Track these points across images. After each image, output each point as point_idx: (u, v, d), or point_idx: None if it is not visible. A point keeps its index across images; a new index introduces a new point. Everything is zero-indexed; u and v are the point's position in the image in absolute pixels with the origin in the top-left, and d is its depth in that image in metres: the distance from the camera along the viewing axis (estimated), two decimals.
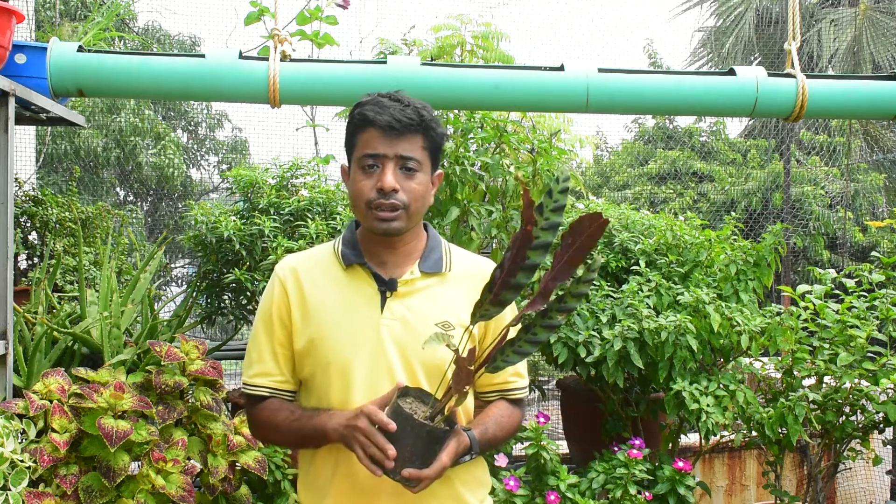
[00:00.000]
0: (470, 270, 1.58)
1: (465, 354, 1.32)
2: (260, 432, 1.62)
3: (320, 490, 1.55)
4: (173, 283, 7.97)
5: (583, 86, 2.74)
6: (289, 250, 2.98)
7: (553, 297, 1.28)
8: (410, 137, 1.48)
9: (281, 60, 2.66)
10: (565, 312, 1.28)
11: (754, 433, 2.89)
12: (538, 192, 3.23)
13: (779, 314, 2.95)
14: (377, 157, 1.48)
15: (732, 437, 2.92)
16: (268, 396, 1.56)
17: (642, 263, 3.12)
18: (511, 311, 1.57)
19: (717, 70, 4.97)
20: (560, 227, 1.26)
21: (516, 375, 1.62)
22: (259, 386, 1.56)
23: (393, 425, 1.32)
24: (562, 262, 1.24)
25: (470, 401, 1.60)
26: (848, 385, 2.85)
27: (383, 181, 1.46)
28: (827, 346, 2.95)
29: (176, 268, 8.24)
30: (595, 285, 3.07)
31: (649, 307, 2.86)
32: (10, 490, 2.02)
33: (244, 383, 1.59)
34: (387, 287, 1.53)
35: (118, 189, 9.46)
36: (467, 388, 1.31)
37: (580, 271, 1.26)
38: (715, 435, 2.74)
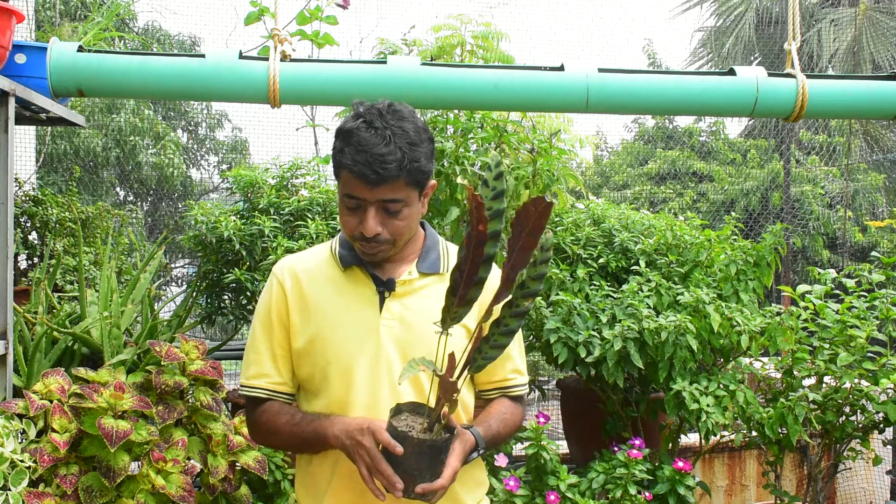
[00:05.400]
0: None
1: (446, 357, 1.31)
2: (259, 436, 1.60)
3: (319, 490, 1.55)
4: (173, 283, 7.97)
5: (583, 86, 2.74)
6: (289, 250, 2.98)
7: (515, 285, 1.28)
8: (391, 183, 1.41)
9: (281, 60, 2.66)
10: (530, 297, 1.27)
11: (754, 433, 2.89)
12: (538, 191, 3.23)
13: (779, 314, 2.94)
14: (359, 199, 1.44)
15: (732, 437, 2.92)
16: (266, 399, 1.55)
17: (642, 263, 3.12)
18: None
19: (717, 70, 4.97)
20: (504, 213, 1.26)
21: (515, 372, 1.62)
22: (257, 387, 1.55)
23: (400, 448, 1.31)
24: (516, 249, 1.23)
25: (470, 400, 1.60)
26: (848, 385, 2.85)
27: (365, 227, 1.44)
28: (827, 346, 2.95)
29: (176, 268, 8.24)
30: (595, 285, 3.07)
31: (649, 307, 2.86)
32: (10, 490, 2.02)
33: (241, 385, 1.58)
34: (385, 287, 1.53)
35: (118, 189, 9.47)
36: (455, 395, 1.30)
37: (535, 254, 1.25)
38: (715, 435, 2.74)
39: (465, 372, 1.33)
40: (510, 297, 1.29)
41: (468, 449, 1.43)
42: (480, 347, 1.32)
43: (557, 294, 2.92)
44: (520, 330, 1.68)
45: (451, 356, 1.31)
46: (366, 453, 1.35)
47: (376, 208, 1.44)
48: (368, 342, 1.50)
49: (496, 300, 1.29)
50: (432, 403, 1.36)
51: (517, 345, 1.64)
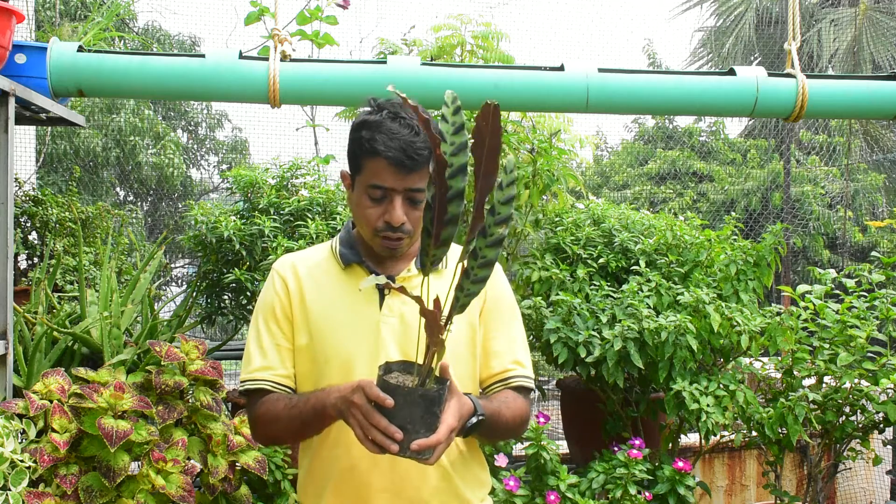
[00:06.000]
0: None
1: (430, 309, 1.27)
2: (260, 427, 1.56)
3: (318, 488, 1.54)
4: (173, 283, 7.97)
5: (583, 86, 2.74)
6: (289, 250, 2.98)
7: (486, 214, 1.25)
8: (420, 171, 1.44)
9: (281, 60, 2.66)
10: (503, 223, 1.24)
11: (754, 433, 2.89)
12: (538, 192, 3.23)
13: (779, 314, 2.95)
14: (385, 189, 1.45)
15: (732, 437, 2.92)
16: (269, 391, 1.53)
17: (642, 263, 3.12)
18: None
19: (717, 70, 4.97)
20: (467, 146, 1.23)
21: (515, 363, 1.60)
22: (260, 380, 1.53)
23: (390, 401, 1.26)
24: (480, 174, 1.21)
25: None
26: (848, 385, 2.85)
27: (392, 216, 1.45)
28: (827, 346, 2.96)
29: (176, 268, 8.25)
30: (595, 285, 3.07)
31: (649, 307, 2.86)
32: (10, 490, 2.02)
33: (243, 381, 1.55)
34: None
35: (118, 189, 9.47)
36: (443, 335, 1.26)
37: (501, 177, 1.22)
38: (715, 435, 2.74)
39: (452, 317, 1.29)
40: (483, 225, 1.25)
41: (465, 411, 1.37)
42: (461, 285, 1.28)
43: (557, 294, 2.92)
44: (523, 327, 1.68)
45: (437, 301, 1.26)
46: (358, 411, 1.30)
47: (402, 198, 1.46)
48: (368, 340, 1.50)
49: (472, 232, 1.26)
50: (422, 360, 1.31)
51: (520, 340, 1.63)
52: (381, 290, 1.53)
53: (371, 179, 1.46)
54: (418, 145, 1.42)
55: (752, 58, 13.42)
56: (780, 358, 3.03)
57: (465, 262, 1.28)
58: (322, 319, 1.53)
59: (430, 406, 1.29)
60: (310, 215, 3.23)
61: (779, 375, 3.06)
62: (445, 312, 1.29)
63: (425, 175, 1.45)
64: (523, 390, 1.61)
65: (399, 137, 1.42)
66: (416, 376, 1.32)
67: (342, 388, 1.38)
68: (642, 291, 2.93)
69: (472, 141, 1.21)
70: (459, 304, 1.30)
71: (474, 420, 1.40)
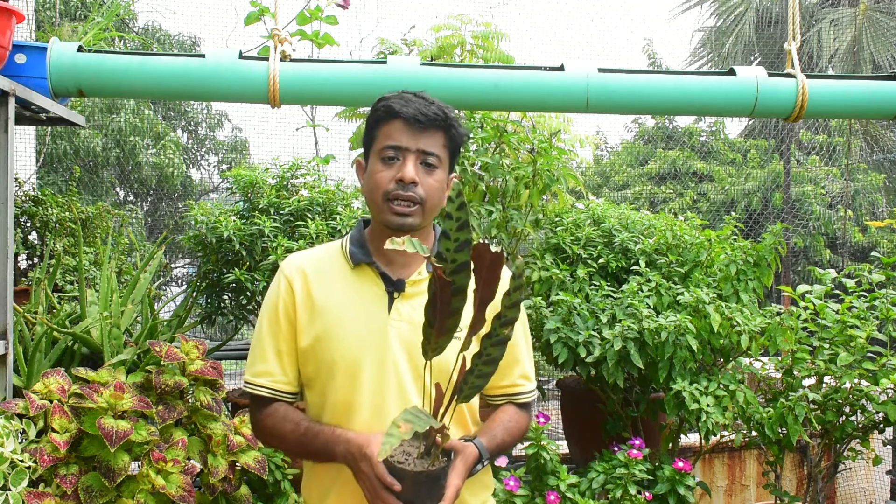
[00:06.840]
0: None
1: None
2: (264, 438, 1.61)
3: (324, 488, 1.55)
4: (173, 283, 7.97)
5: (583, 86, 2.74)
6: (289, 250, 2.98)
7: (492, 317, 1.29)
8: (433, 133, 1.48)
9: (281, 60, 2.66)
10: (509, 325, 1.28)
11: (754, 433, 2.89)
12: (538, 192, 3.23)
13: (779, 314, 2.95)
14: (399, 148, 1.48)
15: (732, 437, 2.92)
16: (270, 398, 1.55)
17: (642, 263, 3.12)
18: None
19: (717, 70, 4.97)
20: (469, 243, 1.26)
21: (523, 378, 1.61)
22: (261, 386, 1.55)
23: (397, 486, 1.32)
24: (480, 284, 1.26)
25: (476, 405, 1.60)
26: (848, 385, 2.85)
27: (403, 172, 1.46)
28: (827, 346, 2.95)
29: (176, 268, 8.25)
30: (595, 285, 3.07)
31: (649, 307, 2.86)
32: (10, 490, 2.02)
33: (246, 381, 1.58)
34: (394, 287, 1.52)
35: (118, 189, 9.47)
36: (447, 429, 1.32)
37: (509, 283, 1.25)
38: (715, 435, 2.74)
39: (453, 405, 1.33)
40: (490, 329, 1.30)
41: (471, 463, 1.42)
42: (466, 378, 1.32)
43: (557, 294, 2.92)
44: (529, 333, 1.68)
45: (438, 386, 1.31)
46: (367, 479, 1.36)
47: (415, 158, 1.48)
48: (376, 343, 1.49)
49: (472, 331, 1.30)
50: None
51: (527, 352, 1.63)
52: (391, 293, 1.52)
53: (385, 142, 1.49)
54: (432, 109, 1.48)
55: (752, 58, 13.42)
56: (780, 358, 3.03)
57: (470, 360, 1.32)
58: (329, 320, 1.52)
59: (436, 481, 1.35)
60: (310, 215, 3.23)
61: (779, 375, 3.06)
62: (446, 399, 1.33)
63: (439, 139, 1.49)
64: (527, 406, 1.63)
65: (413, 101, 1.49)
66: (422, 442, 1.36)
67: (350, 443, 1.41)
68: (642, 291, 2.93)
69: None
70: (463, 396, 1.34)
71: (479, 468, 1.46)
